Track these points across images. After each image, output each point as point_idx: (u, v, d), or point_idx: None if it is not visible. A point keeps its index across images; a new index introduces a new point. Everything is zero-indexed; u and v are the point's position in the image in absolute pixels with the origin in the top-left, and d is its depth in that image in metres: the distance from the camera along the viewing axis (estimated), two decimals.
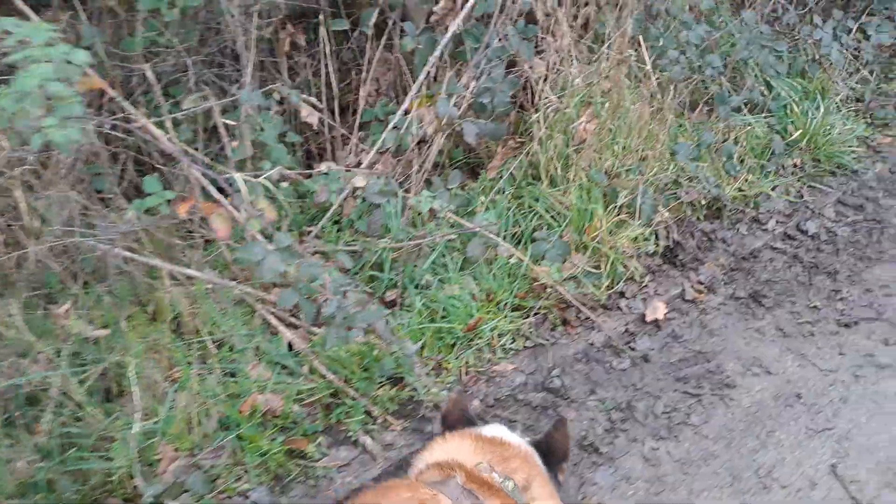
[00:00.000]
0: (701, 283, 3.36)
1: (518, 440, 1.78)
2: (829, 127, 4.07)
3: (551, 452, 1.79)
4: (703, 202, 3.52)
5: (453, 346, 2.86)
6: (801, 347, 3.04)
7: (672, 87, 3.49)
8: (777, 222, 3.71)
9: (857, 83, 4.48)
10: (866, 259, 3.51)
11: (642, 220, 3.25)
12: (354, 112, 3.55)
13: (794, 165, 3.98)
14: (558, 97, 3.28)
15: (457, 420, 1.85)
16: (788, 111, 4.03)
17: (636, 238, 3.24)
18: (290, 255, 2.10)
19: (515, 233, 3.25)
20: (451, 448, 1.69)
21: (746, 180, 3.76)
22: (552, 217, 3.27)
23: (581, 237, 3.20)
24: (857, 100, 4.48)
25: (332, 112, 3.52)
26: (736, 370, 2.94)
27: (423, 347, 2.78)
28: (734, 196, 3.70)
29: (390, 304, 2.94)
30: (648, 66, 3.39)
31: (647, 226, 3.28)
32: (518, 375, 2.83)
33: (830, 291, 3.33)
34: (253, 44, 3.00)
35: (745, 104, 3.94)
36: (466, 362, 2.80)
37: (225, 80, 3.09)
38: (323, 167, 3.07)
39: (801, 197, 3.87)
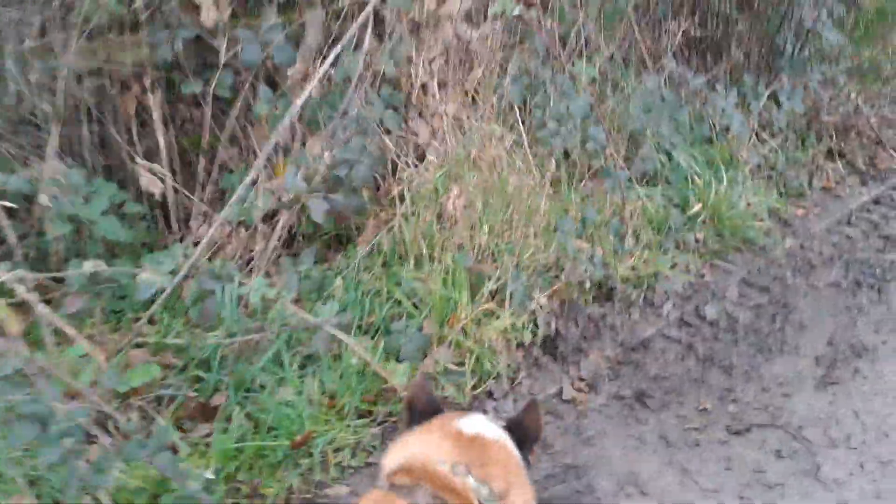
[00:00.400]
0: (583, 379, 3.01)
1: (498, 434, 1.66)
2: (735, 199, 3.80)
3: (524, 435, 1.72)
4: (588, 285, 3.19)
5: (279, 464, 2.45)
6: (684, 460, 2.70)
7: (552, 160, 3.18)
8: (673, 306, 3.39)
9: (769, 151, 4.24)
10: (766, 351, 3.21)
11: (513, 307, 2.90)
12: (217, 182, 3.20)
13: (697, 241, 3.69)
14: (421, 168, 2.94)
15: (425, 408, 1.71)
16: (690, 182, 3.75)
17: (506, 329, 2.89)
18: (12, 386, 1.69)
19: (371, 323, 2.87)
20: (425, 446, 1.57)
21: (641, 258, 3.45)
22: (414, 304, 2.91)
23: (443, 329, 2.84)
24: (772, 168, 4.24)
25: (194, 179, 3.16)
26: (609, 489, 2.58)
27: (237, 470, 2.37)
28: (626, 276, 3.38)
29: (209, 415, 2.53)
30: (525, 138, 3.07)
31: (519, 314, 2.94)
32: (354, 500, 2.44)
33: (723, 390, 3.01)
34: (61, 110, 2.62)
35: (642, 176, 3.66)
36: (290, 486, 2.40)
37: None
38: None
39: (703, 276, 3.57)
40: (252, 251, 2.98)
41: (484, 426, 1.65)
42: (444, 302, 2.85)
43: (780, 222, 4.00)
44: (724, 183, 3.74)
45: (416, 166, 2.97)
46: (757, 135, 4.28)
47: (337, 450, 2.53)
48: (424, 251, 2.96)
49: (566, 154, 3.33)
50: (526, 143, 3.09)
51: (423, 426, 1.65)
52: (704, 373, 3.08)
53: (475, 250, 3.01)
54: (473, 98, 3.28)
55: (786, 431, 2.82)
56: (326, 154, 2.85)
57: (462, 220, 2.97)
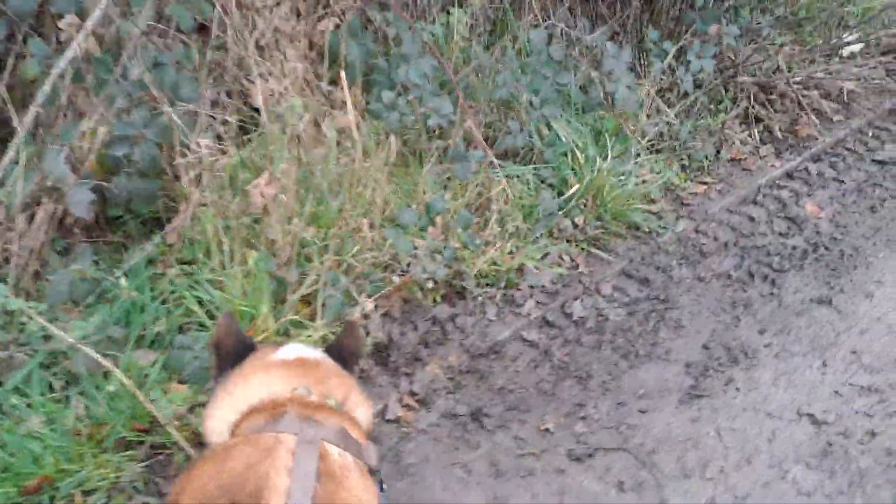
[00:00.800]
0: (415, 394, 2.63)
1: (319, 355, 1.68)
2: (623, 177, 3.37)
3: (345, 356, 1.72)
4: (432, 284, 2.78)
5: None
6: (512, 494, 2.35)
7: (393, 138, 2.71)
8: (536, 304, 3.00)
9: (674, 118, 3.80)
10: (632, 356, 2.84)
11: (327, 317, 2.49)
12: None
13: (575, 226, 3.28)
14: (219, 146, 2.48)
15: (235, 349, 1.63)
16: (571, 159, 3.31)
17: (316, 342, 2.48)
18: None
19: (157, 334, 2.46)
20: (260, 385, 1.53)
21: (505, 249, 3.03)
22: (209, 313, 2.49)
23: None
24: (674, 138, 3.80)
25: None
26: None
27: None
28: (484, 272, 2.97)
29: None
30: (351, 114, 2.60)
31: (337, 323, 2.53)
32: None
33: (574, 406, 2.64)
34: None
35: (515, 154, 3.22)
36: None
37: None
38: None
39: (577, 267, 3.17)
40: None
41: (303, 350, 1.66)
42: (241, 313, 2.43)
43: (675, 202, 3.59)
44: (609, 158, 3.30)
45: (216, 145, 2.50)
46: (665, 99, 3.83)
47: (88, 492, 2.14)
48: (227, 248, 2.52)
49: (427, 131, 2.87)
50: (351, 118, 2.62)
51: (242, 371, 1.58)
52: (557, 384, 2.72)
53: (293, 247, 2.58)
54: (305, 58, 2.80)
55: (635, 457, 2.47)
56: (101, 129, 2.38)
57: (273, 212, 2.53)
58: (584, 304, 3.03)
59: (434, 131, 2.89)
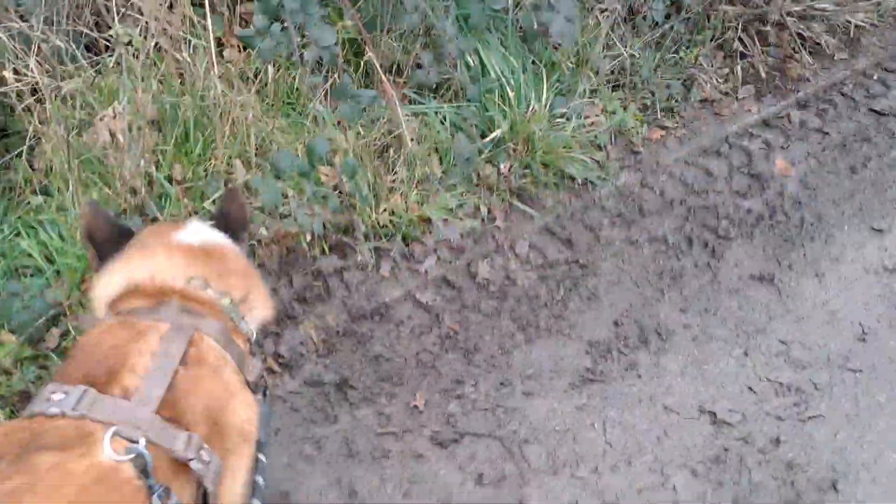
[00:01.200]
0: (280, 356, 2.42)
1: (222, 239, 1.57)
2: (560, 119, 2.99)
3: (232, 225, 1.62)
4: (310, 235, 2.51)
5: None
6: (359, 479, 2.17)
7: (268, 70, 2.37)
8: (439, 260, 2.72)
9: (641, 51, 3.33)
10: (532, 329, 2.57)
11: None
12: None
13: (500, 175, 2.93)
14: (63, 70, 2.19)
15: (109, 236, 1.51)
16: (501, 98, 2.92)
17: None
18: None
19: None
20: (152, 264, 1.44)
21: (410, 198, 2.72)
22: (49, 259, 2.28)
23: (77, 293, 2.22)
24: (636, 74, 3.35)
25: None
26: None
27: None
28: (384, 223, 2.68)
29: None
30: (211, 39, 2.26)
31: None
32: None
33: (453, 382, 2.41)
34: None
35: (432, 89, 2.84)
36: None
37: None
38: None
39: (494, 221, 2.86)
40: None
41: (205, 234, 1.55)
42: (80, 259, 2.21)
43: (625, 149, 3.20)
44: (544, 97, 2.90)
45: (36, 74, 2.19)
46: (634, 28, 3.36)
47: None
48: (72, 186, 2.27)
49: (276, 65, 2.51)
50: (211, 47, 2.28)
51: (137, 246, 1.49)
52: (440, 355, 2.48)
53: (148, 188, 2.32)
54: None
55: (505, 446, 2.26)
56: None
57: (124, 147, 2.25)
58: (493, 264, 2.74)
59: (318, 63, 2.53)
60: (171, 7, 2.25)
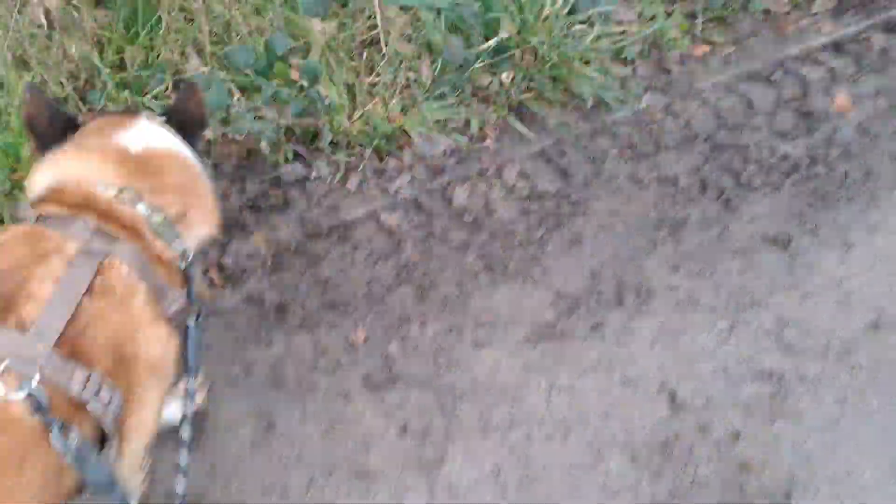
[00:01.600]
0: (223, 268, 2.31)
1: (170, 143, 1.47)
2: (579, 24, 2.57)
3: (188, 123, 1.52)
4: (263, 144, 2.30)
5: None
6: (280, 412, 2.09)
7: None
8: (412, 179, 2.48)
9: None
10: (498, 270, 2.35)
11: None
12: None
13: (502, 86, 2.59)
14: None
15: (52, 122, 1.42)
16: None
17: None
18: None
19: None
20: (84, 165, 1.36)
21: (392, 106, 2.44)
22: None
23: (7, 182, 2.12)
24: None
25: None
26: None
27: None
28: (359, 130, 2.43)
29: None
30: None
31: None
32: None
33: (399, 319, 2.25)
34: None
35: None
36: None
37: None
38: None
39: (483, 140, 2.56)
40: None
41: (153, 137, 1.44)
42: (7, 150, 2.09)
43: (656, 66, 2.76)
44: None
45: None
46: None
47: None
48: (5, 68, 2.11)
49: None
50: None
51: (76, 141, 1.40)
52: (393, 288, 2.31)
53: (88, 75, 2.13)
54: None
55: (438, 399, 2.12)
56: None
57: (65, 28, 2.05)
58: (473, 189, 2.48)
59: None
60: None
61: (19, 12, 2.09)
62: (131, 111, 1.57)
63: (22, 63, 2.11)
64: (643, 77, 2.71)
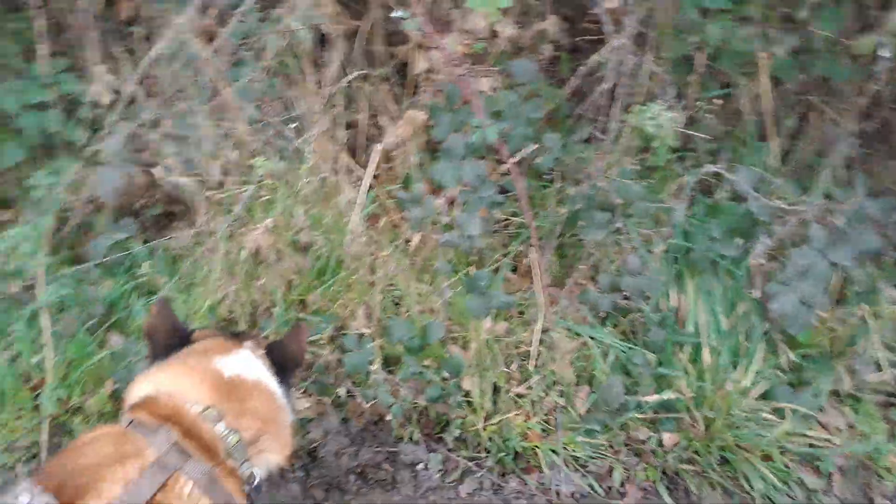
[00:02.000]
0: None
1: (259, 374, 1.56)
2: (766, 414, 2.25)
3: (285, 359, 1.64)
4: (390, 417, 2.25)
5: None
6: None
7: (414, 236, 2.22)
8: (518, 494, 2.22)
9: None
10: None
11: None
12: None
13: (661, 446, 2.30)
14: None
15: (169, 338, 1.59)
16: (693, 359, 2.29)
17: None
18: None
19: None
20: (179, 381, 1.48)
21: (534, 421, 2.29)
22: None
23: None
24: None
25: None
26: None
27: None
28: (485, 436, 2.29)
29: None
30: (363, 194, 2.19)
31: None
32: None
33: None
34: None
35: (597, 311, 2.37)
36: None
37: None
38: None
39: (622, 498, 2.24)
40: None
41: (245, 366, 1.54)
42: None
43: (860, 491, 2.27)
44: (751, 375, 2.20)
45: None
46: None
47: None
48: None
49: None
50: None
51: (181, 357, 1.53)
52: None
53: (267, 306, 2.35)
54: None
55: None
56: None
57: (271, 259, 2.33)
58: None
59: None
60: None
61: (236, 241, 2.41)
62: (240, 337, 1.66)
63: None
64: (841, 499, 2.24)
